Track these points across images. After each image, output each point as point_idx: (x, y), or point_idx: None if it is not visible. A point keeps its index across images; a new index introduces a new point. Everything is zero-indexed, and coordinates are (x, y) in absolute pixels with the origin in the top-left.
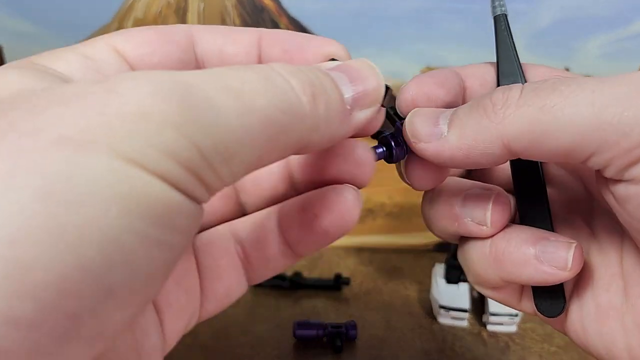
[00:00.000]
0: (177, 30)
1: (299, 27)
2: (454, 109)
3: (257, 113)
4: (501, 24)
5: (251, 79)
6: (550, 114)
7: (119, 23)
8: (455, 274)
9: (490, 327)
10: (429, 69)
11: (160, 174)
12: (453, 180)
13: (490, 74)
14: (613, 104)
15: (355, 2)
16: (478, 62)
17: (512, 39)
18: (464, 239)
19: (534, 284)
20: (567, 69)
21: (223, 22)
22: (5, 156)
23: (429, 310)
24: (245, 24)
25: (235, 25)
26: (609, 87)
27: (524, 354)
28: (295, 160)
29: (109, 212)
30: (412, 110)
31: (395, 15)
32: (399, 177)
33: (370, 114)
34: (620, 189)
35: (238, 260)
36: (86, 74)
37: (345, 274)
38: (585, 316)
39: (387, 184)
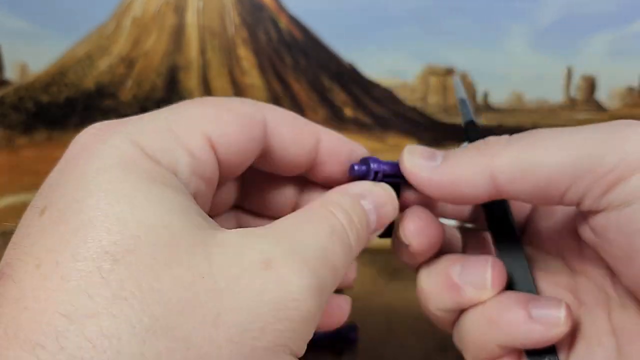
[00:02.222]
0: (258, 122)
1: (299, 26)
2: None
3: (339, 278)
4: (471, 131)
5: (338, 251)
6: (532, 151)
7: (117, 21)
8: None
9: None
10: (430, 67)
11: (301, 354)
12: (447, 256)
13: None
14: (588, 138)
15: (355, 1)
16: (479, 60)
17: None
18: (460, 318)
19: (529, 345)
20: (570, 68)
21: (222, 21)
22: (224, 348)
23: None
24: (244, 22)
25: (235, 24)
26: (584, 128)
27: None
28: None
29: None
30: (409, 146)
31: (395, 14)
32: None
33: (384, 229)
34: (600, 220)
35: None
36: (190, 178)
37: None
38: None
39: None
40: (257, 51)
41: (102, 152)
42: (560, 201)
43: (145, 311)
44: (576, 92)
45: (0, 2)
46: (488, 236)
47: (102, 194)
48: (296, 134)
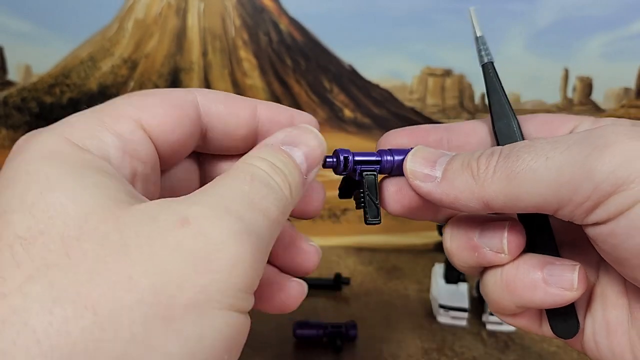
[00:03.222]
0: (188, 101)
1: (300, 28)
2: (451, 155)
3: (275, 222)
4: (489, 71)
5: (265, 194)
6: (516, 181)
7: (119, 23)
8: (454, 274)
9: (489, 327)
10: (429, 68)
11: (245, 309)
12: (469, 216)
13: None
14: (564, 166)
15: (355, 3)
16: (477, 62)
17: (501, 84)
18: (483, 271)
19: (545, 306)
20: (567, 70)
21: (223, 23)
22: (160, 325)
23: (428, 310)
24: (245, 24)
25: (236, 26)
26: (560, 151)
27: (523, 353)
28: None
29: (221, 346)
30: (415, 148)
31: (395, 15)
32: None
33: (316, 173)
34: (592, 231)
35: None
36: (124, 158)
37: (345, 273)
38: (597, 334)
39: None
40: (258, 53)
41: (29, 148)
42: (555, 215)
43: (53, 285)
44: (573, 93)
45: (4, 4)
46: None
47: (21, 183)
48: (230, 108)
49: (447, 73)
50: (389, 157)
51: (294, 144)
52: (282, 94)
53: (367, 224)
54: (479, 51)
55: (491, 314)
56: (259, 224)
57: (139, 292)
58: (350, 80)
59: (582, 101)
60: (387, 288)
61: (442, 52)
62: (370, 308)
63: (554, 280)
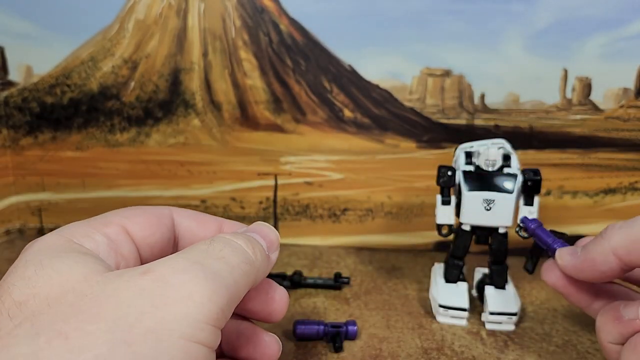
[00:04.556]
0: (165, 215)
1: (300, 28)
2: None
3: (237, 270)
4: None
5: (230, 253)
6: (636, 229)
7: (120, 24)
8: (454, 274)
9: (489, 326)
10: (428, 69)
11: (207, 342)
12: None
13: None
14: None
15: (354, 3)
16: (476, 62)
17: None
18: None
19: None
20: (566, 70)
21: (223, 23)
22: (121, 346)
23: (428, 310)
24: (245, 24)
25: (235, 26)
26: None
27: (522, 353)
28: None
29: None
30: (559, 252)
31: (394, 16)
32: (398, 178)
33: (277, 255)
34: None
35: None
36: (110, 252)
37: (345, 273)
38: None
39: (386, 184)
40: (258, 53)
41: (33, 244)
42: None
43: (34, 325)
44: (572, 93)
45: (5, 5)
46: None
47: (22, 267)
48: (199, 221)
49: (447, 73)
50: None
51: (254, 232)
52: (282, 94)
53: (525, 269)
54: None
55: (491, 314)
56: (218, 266)
57: (105, 324)
58: (350, 80)
59: (581, 101)
60: (387, 287)
61: (441, 53)
62: (370, 307)
63: None
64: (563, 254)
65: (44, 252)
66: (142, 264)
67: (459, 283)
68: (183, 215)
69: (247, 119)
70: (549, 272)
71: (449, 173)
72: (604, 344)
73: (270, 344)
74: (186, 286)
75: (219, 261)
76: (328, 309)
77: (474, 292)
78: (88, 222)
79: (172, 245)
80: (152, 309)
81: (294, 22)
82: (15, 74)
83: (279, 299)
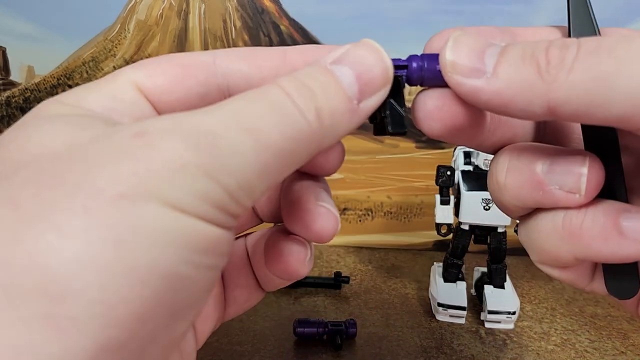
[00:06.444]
0: (198, 62)
1: (300, 29)
2: (504, 45)
3: (272, 149)
4: None
5: (263, 113)
6: (604, 84)
7: (121, 25)
8: (453, 273)
9: (487, 325)
10: None
11: (200, 215)
12: (533, 145)
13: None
14: None
15: (354, 4)
16: None
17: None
18: (532, 213)
19: (611, 261)
20: None
21: (224, 24)
22: (80, 215)
23: (427, 308)
24: (245, 25)
25: (235, 27)
26: None
27: (521, 351)
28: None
29: (167, 251)
30: (454, 34)
31: (394, 16)
32: (397, 178)
33: (377, 101)
34: None
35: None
36: (111, 115)
37: (344, 272)
38: None
39: (386, 184)
40: None
41: (34, 109)
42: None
43: (10, 198)
44: None
45: (7, 6)
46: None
47: (15, 130)
48: (252, 62)
49: None
50: (417, 62)
51: (345, 62)
52: None
53: (389, 133)
54: None
55: (490, 313)
56: (238, 140)
57: (65, 188)
58: None
59: None
60: (387, 287)
61: None
62: (370, 306)
63: (631, 232)
64: (458, 64)
65: (35, 115)
66: None
67: (458, 282)
68: (230, 58)
69: None
70: (437, 114)
71: (448, 173)
72: (507, 203)
73: (327, 214)
74: (179, 154)
75: (245, 135)
76: (328, 308)
77: (473, 291)
78: (97, 82)
79: (210, 94)
80: (127, 168)
81: (294, 23)
82: (16, 74)
83: (333, 158)
